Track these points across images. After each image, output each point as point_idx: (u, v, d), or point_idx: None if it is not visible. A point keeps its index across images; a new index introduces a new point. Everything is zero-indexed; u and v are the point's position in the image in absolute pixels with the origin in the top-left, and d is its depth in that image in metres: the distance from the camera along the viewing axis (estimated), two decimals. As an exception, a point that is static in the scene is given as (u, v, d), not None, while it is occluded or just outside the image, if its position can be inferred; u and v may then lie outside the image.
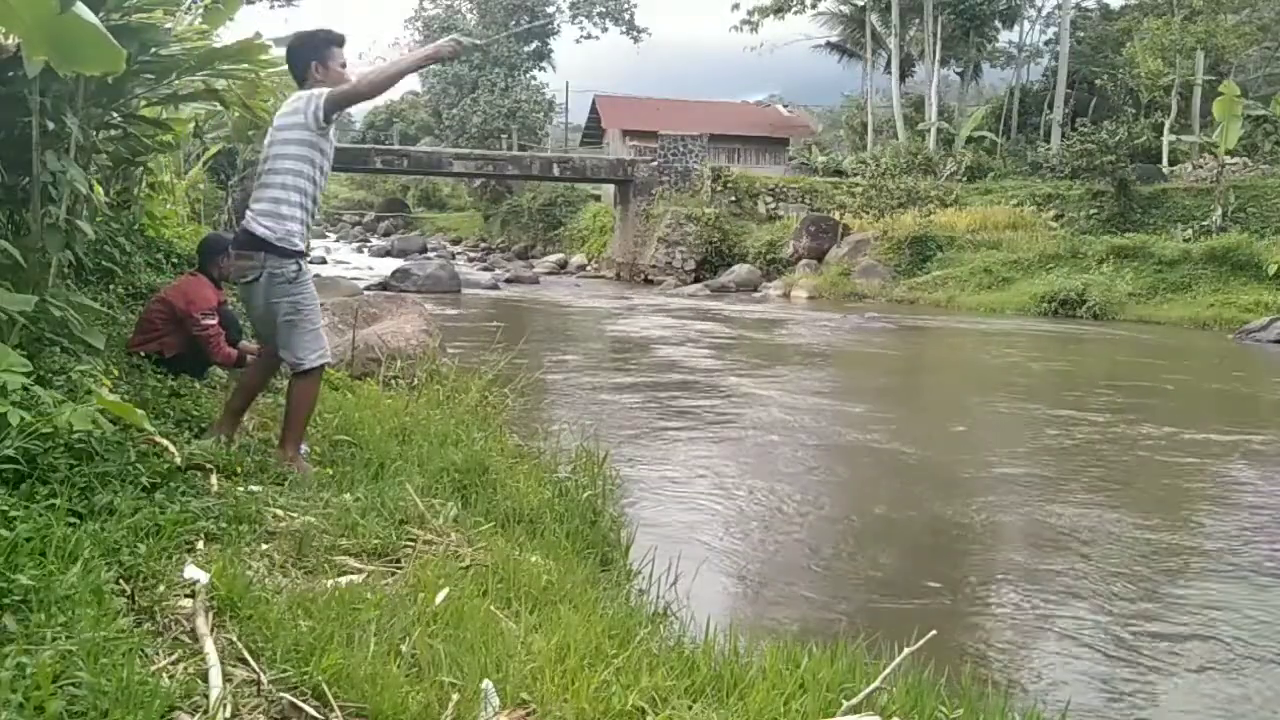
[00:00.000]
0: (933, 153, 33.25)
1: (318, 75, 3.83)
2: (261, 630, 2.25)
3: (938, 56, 35.65)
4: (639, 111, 41.83)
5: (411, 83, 57.99)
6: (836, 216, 27.21)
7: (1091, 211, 24.53)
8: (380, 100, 63.62)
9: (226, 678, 2.05)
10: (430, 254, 35.72)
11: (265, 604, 2.37)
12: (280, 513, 3.14)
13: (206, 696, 1.96)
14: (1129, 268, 21.18)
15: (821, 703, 2.51)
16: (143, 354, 4.62)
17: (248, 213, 3.79)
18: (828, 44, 42.98)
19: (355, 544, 3.02)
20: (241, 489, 3.25)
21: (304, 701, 2.04)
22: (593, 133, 46.50)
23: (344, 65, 3.90)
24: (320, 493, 3.42)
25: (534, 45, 48.73)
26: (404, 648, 2.34)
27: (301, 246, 3.78)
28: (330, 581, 2.67)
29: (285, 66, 4.73)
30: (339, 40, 3.93)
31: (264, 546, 2.86)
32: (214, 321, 4.73)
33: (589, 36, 49.01)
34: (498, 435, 5.37)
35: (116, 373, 4.09)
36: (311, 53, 3.87)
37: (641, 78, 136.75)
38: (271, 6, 16.77)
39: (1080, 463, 7.28)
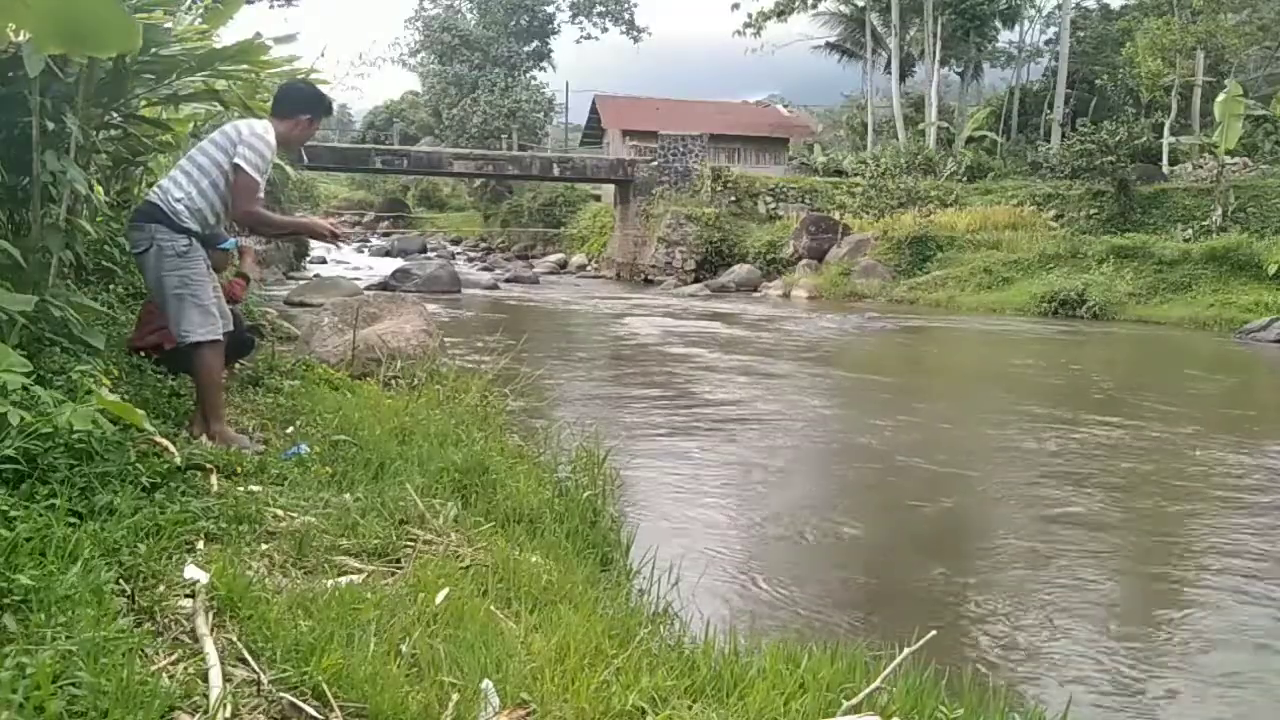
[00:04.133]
0: (933, 153, 33.23)
1: (294, 126, 4.09)
2: (261, 630, 2.25)
3: (938, 56, 35.63)
4: (639, 111, 41.80)
5: (411, 82, 58.14)
6: (836, 216, 27.19)
7: (1091, 211, 24.52)
8: (380, 100, 63.90)
9: (226, 678, 2.05)
10: (430, 254, 35.71)
11: (265, 604, 2.37)
12: (280, 513, 3.14)
13: (206, 696, 1.96)
14: (1129, 268, 21.17)
15: (821, 703, 2.51)
16: (142, 352, 4.61)
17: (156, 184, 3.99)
18: (828, 44, 42.93)
19: (355, 544, 3.02)
20: (241, 489, 3.25)
21: (304, 701, 2.04)
22: (593, 133, 46.48)
23: (314, 132, 4.24)
24: (320, 493, 3.42)
25: (534, 45, 48.74)
26: (404, 648, 2.34)
27: (191, 226, 3.87)
28: (330, 581, 2.67)
29: (286, 67, 4.75)
30: (330, 113, 4.35)
31: (264, 546, 2.86)
32: None
33: (589, 36, 49.13)
34: (498, 435, 5.38)
35: (116, 373, 4.09)
36: (311, 109, 4.15)
37: (641, 78, 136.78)
38: (271, 6, 16.79)
39: (1084, 465, 7.28)
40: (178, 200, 3.85)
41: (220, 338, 3.99)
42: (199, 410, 3.97)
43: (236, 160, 3.86)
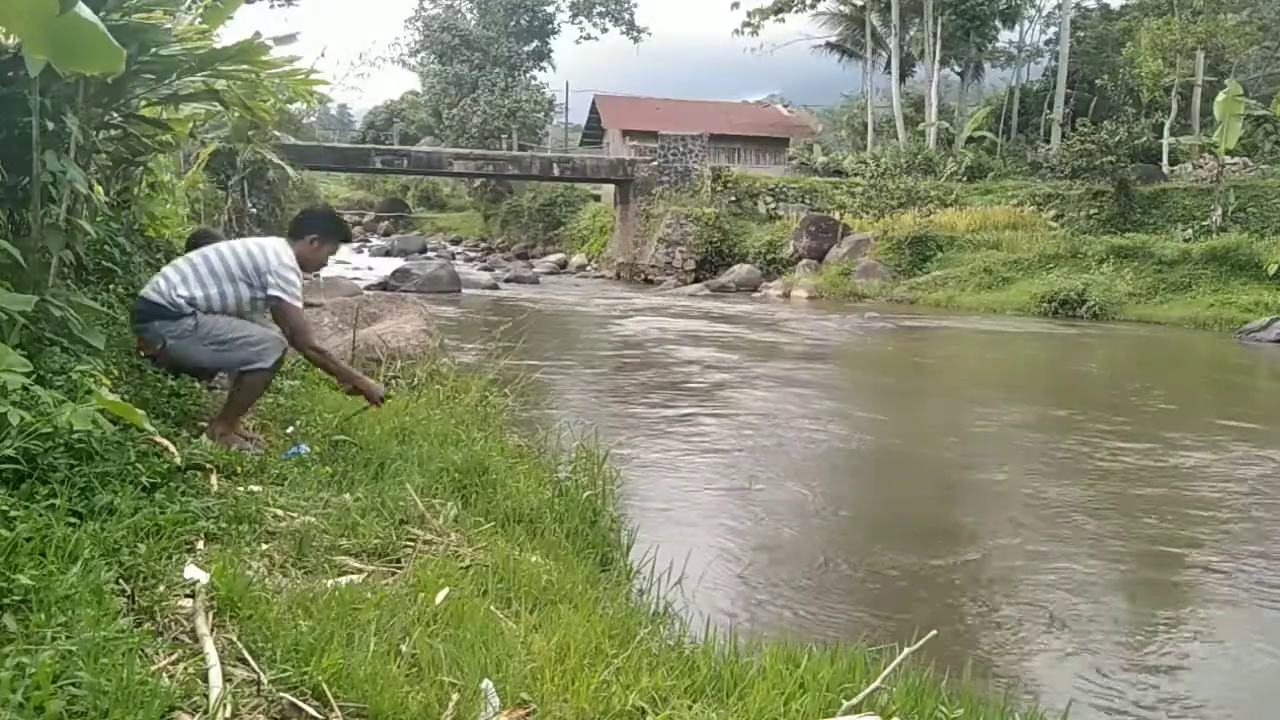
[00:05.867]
0: (933, 152, 33.25)
1: (308, 245, 4.10)
2: (261, 630, 2.25)
3: (938, 56, 35.63)
4: (639, 111, 41.81)
5: (411, 82, 58.17)
6: (836, 216, 27.20)
7: (1091, 211, 24.52)
8: (380, 100, 63.97)
9: (226, 678, 2.05)
10: (430, 254, 35.70)
11: (265, 604, 2.37)
12: (280, 513, 3.13)
13: (206, 696, 1.96)
14: (1129, 268, 21.18)
15: (821, 703, 2.51)
16: (152, 356, 4.55)
17: (149, 284, 4.00)
18: (828, 44, 42.96)
19: (355, 544, 3.02)
20: (241, 489, 3.25)
21: (304, 701, 2.04)
22: (593, 133, 46.47)
23: (331, 254, 4.25)
24: (320, 493, 3.42)
25: (534, 45, 48.72)
26: (404, 648, 2.34)
27: (188, 310, 3.89)
28: (330, 581, 2.67)
29: (286, 67, 4.74)
30: (348, 240, 4.37)
31: (264, 546, 2.86)
32: None
33: (589, 37, 49.07)
34: (498, 435, 5.37)
35: (116, 373, 4.09)
36: (317, 230, 4.15)
37: (641, 78, 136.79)
38: (271, 6, 16.81)
39: (1083, 466, 7.27)
40: (181, 296, 3.87)
41: (281, 354, 4.02)
42: (225, 409, 4.00)
43: (273, 293, 3.88)
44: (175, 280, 3.91)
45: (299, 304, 3.95)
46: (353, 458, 3.96)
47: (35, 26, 2.50)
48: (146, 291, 3.92)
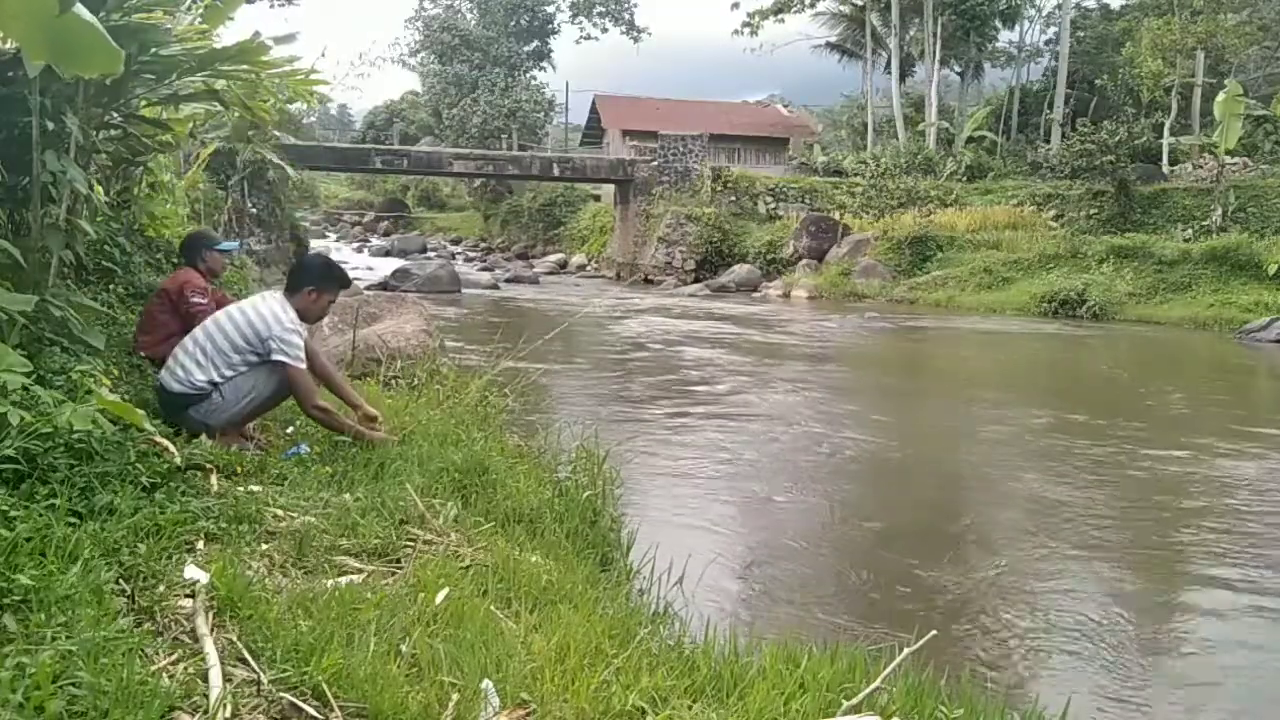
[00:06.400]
0: (933, 152, 33.25)
1: (306, 297, 4.13)
2: (261, 630, 2.25)
3: (938, 56, 35.63)
4: (639, 111, 41.82)
5: (411, 82, 58.18)
6: (836, 216, 27.21)
7: (1091, 211, 24.52)
8: (380, 100, 63.96)
9: (226, 678, 2.05)
10: (430, 254, 35.72)
11: (265, 604, 2.37)
12: (280, 513, 3.14)
13: (206, 696, 1.96)
14: (1129, 268, 21.18)
15: (821, 703, 2.51)
16: (150, 357, 4.58)
17: (165, 371, 4.02)
18: (828, 44, 42.96)
19: (355, 544, 3.02)
20: (241, 489, 3.25)
21: (304, 701, 2.04)
22: (593, 133, 46.47)
23: (331, 304, 4.26)
24: (320, 493, 3.42)
25: (534, 45, 48.73)
26: (404, 648, 2.34)
27: (209, 388, 3.94)
28: (330, 581, 2.67)
29: (286, 67, 4.75)
30: (346, 286, 4.37)
31: (264, 546, 2.86)
32: (204, 301, 4.73)
33: (589, 37, 49.06)
34: (498, 435, 5.37)
35: (116, 373, 4.09)
36: (321, 282, 4.17)
37: (641, 78, 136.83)
38: (271, 6, 16.81)
39: (1084, 467, 7.27)
40: (200, 381, 3.91)
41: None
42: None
43: (277, 358, 3.91)
44: (190, 366, 3.95)
45: (302, 365, 3.98)
46: (353, 458, 3.96)
47: (33, 29, 2.50)
48: (167, 382, 3.95)
